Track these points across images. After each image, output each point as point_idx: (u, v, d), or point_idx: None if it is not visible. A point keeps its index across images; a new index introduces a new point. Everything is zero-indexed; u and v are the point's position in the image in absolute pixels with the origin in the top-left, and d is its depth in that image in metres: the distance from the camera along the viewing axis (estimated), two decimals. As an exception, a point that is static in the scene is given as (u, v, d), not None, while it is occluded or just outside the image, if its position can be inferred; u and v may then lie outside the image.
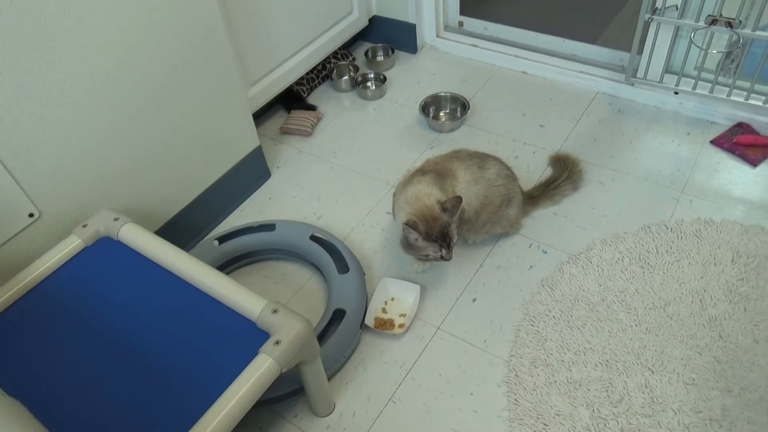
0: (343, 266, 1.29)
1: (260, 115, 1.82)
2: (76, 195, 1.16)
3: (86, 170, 1.15)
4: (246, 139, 1.52)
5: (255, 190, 1.60)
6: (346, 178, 1.63)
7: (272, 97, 1.73)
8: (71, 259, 1.09)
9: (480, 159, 1.34)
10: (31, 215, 1.09)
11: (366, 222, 1.50)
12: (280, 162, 1.69)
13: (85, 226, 1.11)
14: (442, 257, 1.21)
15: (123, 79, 1.15)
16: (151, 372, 0.91)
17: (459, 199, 1.18)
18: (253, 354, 0.90)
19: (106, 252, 1.10)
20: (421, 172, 1.30)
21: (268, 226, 1.39)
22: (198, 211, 1.44)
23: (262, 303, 0.96)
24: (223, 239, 1.37)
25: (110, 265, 1.08)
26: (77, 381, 0.91)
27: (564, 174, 1.51)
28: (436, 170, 1.29)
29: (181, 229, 1.42)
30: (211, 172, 1.45)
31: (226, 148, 1.47)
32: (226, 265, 1.38)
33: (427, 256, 1.22)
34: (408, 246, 1.23)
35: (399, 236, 1.26)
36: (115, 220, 1.11)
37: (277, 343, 0.90)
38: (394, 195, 1.31)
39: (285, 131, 1.77)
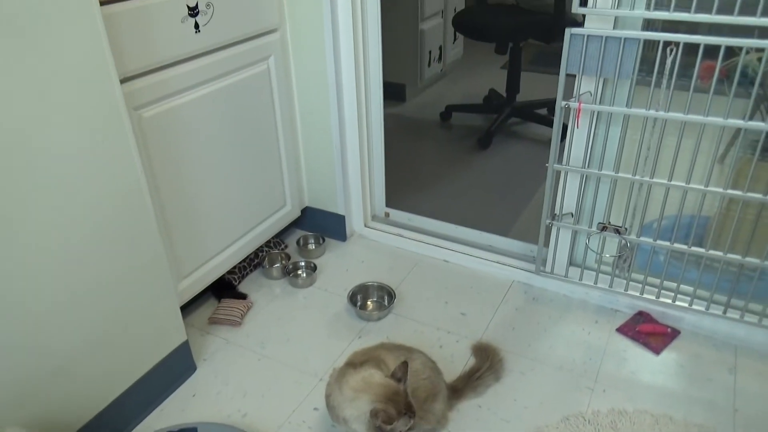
0: (265, 476, 1.24)
1: (189, 305, 1.83)
2: (-19, 410, 1.10)
3: (-3, 383, 1.11)
4: (172, 334, 1.51)
5: (178, 387, 1.56)
6: (274, 370, 1.62)
7: (203, 288, 1.76)
8: (-35, 486, 1.00)
9: (406, 351, 1.38)
10: (-74, 436, 1.02)
11: (292, 420, 1.47)
12: (207, 354, 1.68)
13: (-14, 446, 1.05)
14: (412, 426, 1.19)
15: (33, 272, 1.14)
16: None
17: (405, 363, 1.20)
18: None
19: (6, 476, 1.02)
20: (353, 365, 1.32)
21: (189, 431, 1.34)
22: (114, 415, 1.38)
23: None
24: (139, 447, 1.31)
25: (9, 491, 1.00)
26: None
27: (486, 364, 1.57)
28: (366, 360, 1.32)
29: (95, 436, 1.34)
30: (133, 373, 1.42)
31: (150, 346, 1.45)
32: (140, 476, 1.29)
33: None
34: None
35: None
36: (22, 438, 1.06)
37: None
38: (328, 396, 1.31)
39: (213, 321, 1.78)
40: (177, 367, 1.55)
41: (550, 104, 3.11)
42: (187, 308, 1.82)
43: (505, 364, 1.63)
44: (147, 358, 1.45)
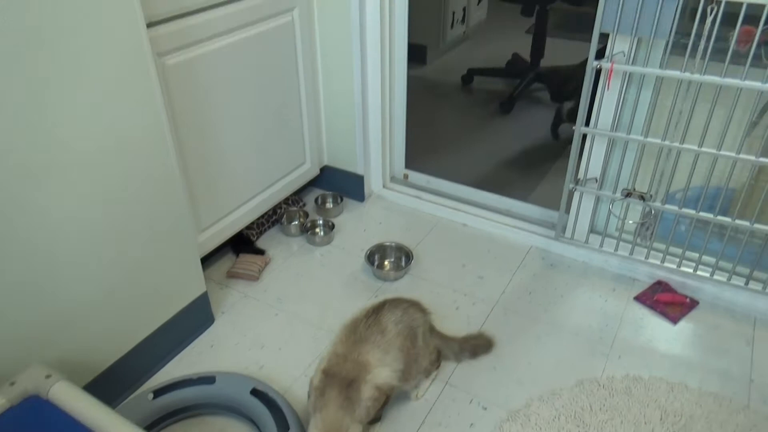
0: (283, 424, 1.26)
1: (208, 258, 1.85)
2: (2, 348, 1.12)
3: (15, 321, 1.13)
4: (192, 285, 1.53)
5: (197, 337, 1.58)
6: (291, 325, 1.64)
7: (222, 242, 1.77)
8: (-7, 420, 1.03)
9: (376, 322, 1.32)
10: (-45, 371, 1.05)
11: (309, 373, 1.49)
12: (225, 307, 1.70)
13: (12, 383, 1.06)
14: None
15: (61, 216, 1.15)
16: None
17: None
18: None
19: (32, 412, 1.05)
20: (333, 377, 1.23)
21: (208, 379, 1.37)
22: (135, 360, 1.41)
23: (196, 474, 0.92)
24: (159, 392, 1.33)
25: (36, 426, 1.02)
26: None
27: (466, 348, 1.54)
28: (339, 384, 1.22)
29: (117, 380, 1.37)
30: (153, 320, 1.44)
31: (171, 295, 1.47)
32: (162, 420, 1.32)
33: None
34: None
35: None
36: (47, 377, 1.08)
37: None
38: (311, 400, 1.24)
39: (232, 275, 1.79)
40: (196, 317, 1.57)
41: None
42: (205, 261, 1.84)
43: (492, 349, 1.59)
44: (167, 307, 1.47)
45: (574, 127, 1.62)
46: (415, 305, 1.40)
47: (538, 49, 2.98)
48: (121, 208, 1.25)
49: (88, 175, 1.16)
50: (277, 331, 1.62)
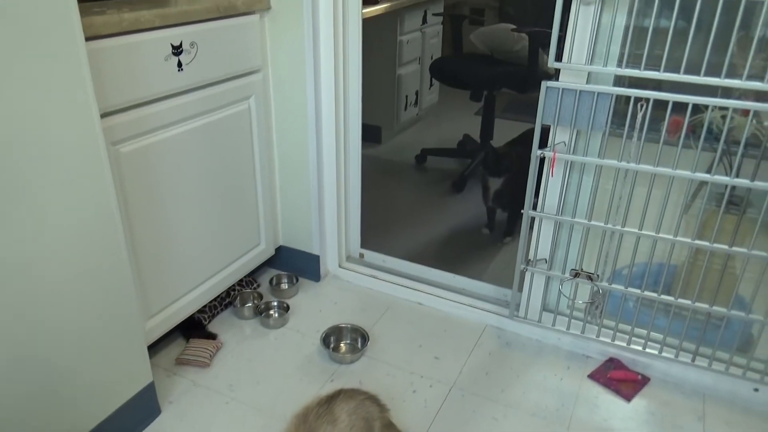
0: None
1: (156, 344, 1.78)
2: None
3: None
4: (137, 375, 1.46)
5: (141, 431, 1.50)
6: (242, 415, 1.57)
7: (171, 328, 1.72)
8: None
9: (328, 411, 1.29)
10: None
11: (260, 467, 1.43)
12: (173, 396, 1.62)
13: (-67, 496, 0.98)
14: None
15: None
16: None
17: None
18: None
19: None
20: None
21: (152, 479, 1.29)
22: (73, 460, 1.32)
23: None
24: (97, 496, 1.24)
25: None
26: None
27: None
28: None
29: (50, 484, 1.27)
30: (94, 416, 1.36)
31: (114, 388, 1.40)
32: None
33: None
34: None
35: None
36: (-27, 487, 0.99)
37: None
38: None
39: (181, 362, 1.72)
40: (141, 410, 1.49)
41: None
42: (153, 347, 1.77)
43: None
44: (110, 401, 1.39)
45: (522, 213, 1.68)
46: (371, 398, 1.37)
47: (487, 131, 3.12)
48: (63, 297, 1.20)
49: (30, 260, 1.12)
50: (228, 421, 1.55)
